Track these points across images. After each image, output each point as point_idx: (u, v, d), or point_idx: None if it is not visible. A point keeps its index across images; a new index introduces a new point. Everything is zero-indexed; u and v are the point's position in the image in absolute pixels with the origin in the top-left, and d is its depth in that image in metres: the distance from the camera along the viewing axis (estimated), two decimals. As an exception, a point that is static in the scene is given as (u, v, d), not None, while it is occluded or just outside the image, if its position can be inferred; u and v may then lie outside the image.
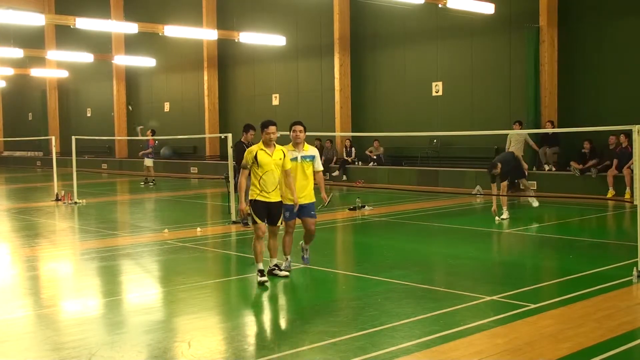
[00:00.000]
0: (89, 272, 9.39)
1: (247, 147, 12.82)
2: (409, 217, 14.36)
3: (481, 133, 18.27)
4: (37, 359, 5.73)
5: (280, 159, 8.19)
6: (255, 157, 8.11)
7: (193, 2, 28.93)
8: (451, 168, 20.39)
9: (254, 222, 8.19)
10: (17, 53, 27.55)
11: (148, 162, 23.94)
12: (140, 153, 24.49)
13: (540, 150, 18.27)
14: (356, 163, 23.07)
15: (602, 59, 18.02)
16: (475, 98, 20.61)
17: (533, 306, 6.84)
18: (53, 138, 20.45)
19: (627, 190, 15.78)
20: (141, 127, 29.12)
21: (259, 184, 8.12)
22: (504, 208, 13.12)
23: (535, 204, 14.10)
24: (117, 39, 32.86)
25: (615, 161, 16.31)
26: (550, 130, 16.38)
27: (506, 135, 17.80)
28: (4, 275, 9.39)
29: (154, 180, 23.89)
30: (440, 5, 18.17)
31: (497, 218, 12.94)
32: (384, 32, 22.89)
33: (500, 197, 13.12)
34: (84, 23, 20.50)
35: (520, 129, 17.51)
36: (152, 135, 23.98)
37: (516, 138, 17.49)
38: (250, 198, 8.16)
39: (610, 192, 16.23)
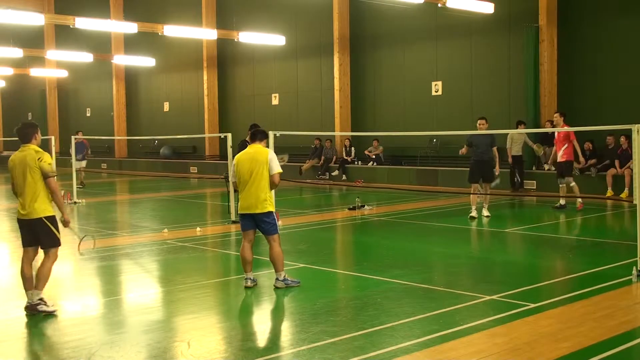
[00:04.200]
0: (89, 272, 9.39)
1: None
2: (409, 216, 14.36)
3: (481, 132, 18.20)
4: (36, 359, 5.73)
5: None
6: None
7: (192, 1, 28.91)
8: (451, 167, 20.38)
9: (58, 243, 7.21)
10: (17, 53, 27.54)
11: (84, 163, 22.95)
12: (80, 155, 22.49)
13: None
14: (356, 163, 23.07)
15: (601, 58, 18.02)
16: (474, 97, 20.61)
17: (532, 306, 6.84)
18: (52, 138, 20.39)
19: (626, 190, 15.82)
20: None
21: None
22: (473, 207, 13.32)
23: (485, 213, 13.53)
24: (116, 38, 32.85)
25: (617, 162, 16.34)
26: (549, 130, 16.38)
27: (506, 135, 17.78)
28: (3, 275, 9.39)
29: (83, 182, 22.66)
30: (439, 5, 18.18)
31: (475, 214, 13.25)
32: (384, 32, 22.88)
33: (471, 196, 13.49)
34: (83, 23, 20.50)
35: (523, 129, 17.53)
36: (82, 135, 22.78)
37: (517, 138, 17.51)
38: (50, 213, 7.32)
39: (609, 192, 16.25)
